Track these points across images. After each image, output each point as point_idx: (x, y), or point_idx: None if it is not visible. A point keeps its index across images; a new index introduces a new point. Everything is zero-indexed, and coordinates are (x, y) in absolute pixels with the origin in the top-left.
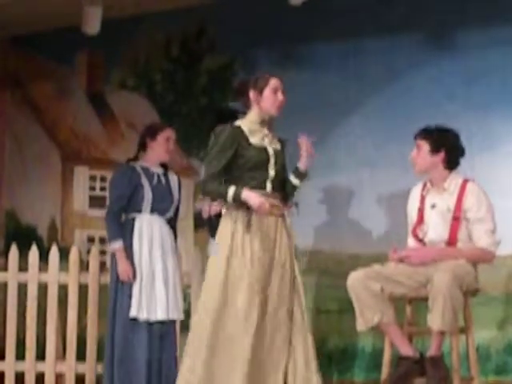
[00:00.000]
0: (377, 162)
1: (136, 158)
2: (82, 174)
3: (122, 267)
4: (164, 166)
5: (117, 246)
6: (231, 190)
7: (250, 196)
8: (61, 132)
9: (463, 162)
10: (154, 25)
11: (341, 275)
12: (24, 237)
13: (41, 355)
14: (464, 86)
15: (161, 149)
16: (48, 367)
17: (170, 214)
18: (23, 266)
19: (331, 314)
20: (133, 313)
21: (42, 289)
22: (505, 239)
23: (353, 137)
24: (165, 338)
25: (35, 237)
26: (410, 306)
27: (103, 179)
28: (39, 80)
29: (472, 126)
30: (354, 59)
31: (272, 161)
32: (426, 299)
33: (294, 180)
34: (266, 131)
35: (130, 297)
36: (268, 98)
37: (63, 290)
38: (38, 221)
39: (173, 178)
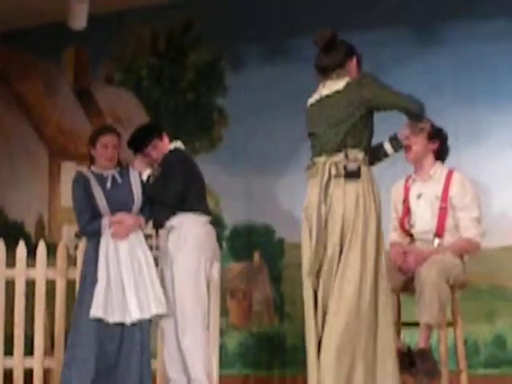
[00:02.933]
0: None
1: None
2: (69, 169)
3: (128, 220)
4: (120, 163)
5: (106, 221)
6: None
7: None
8: (48, 128)
9: (450, 154)
10: (141, 20)
11: None
12: (11, 233)
13: (29, 351)
14: (451, 79)
15: (99, 155)
16: (36, 363)
17: (135, 209)
18: (11, 262)
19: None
20: (97, 313)
21: (30, 285)
22: (491, 232)
23: None
24: (126, 340)
25: (23, 233)
26: (398, 299)
27: None
28: (26, 76)
29: (459, 120)
30: None
31: None
32: (414, 292)
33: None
34: None
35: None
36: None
37: (51, 285)
38: (25, 217)
39: (132, 174)
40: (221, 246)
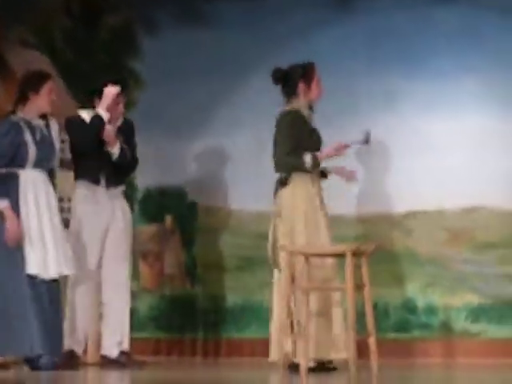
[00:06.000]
0: None
1: (15, 111)
2: None
3: (13, 227)
4: (44, 115)
5: (4, 204)
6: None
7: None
8: None
9: (367, 121)
10: None
11: (240, 233)
12: None
13: None
14: (366, 46)
15: (44, 101)
16: None
17: (53, 165)
18: None
19: (230, 272)
20: (32, 270)
21: None
22: (401, 198)
23: (254, 95)
24: (51, 295)
25: None
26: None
27: None
28: None
29: (374, 87)
30: (258, 19)
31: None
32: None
33: None
34: None
35: (19, 254)
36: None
37: None
38: None
39: (54, 127)
40: (132, 209)
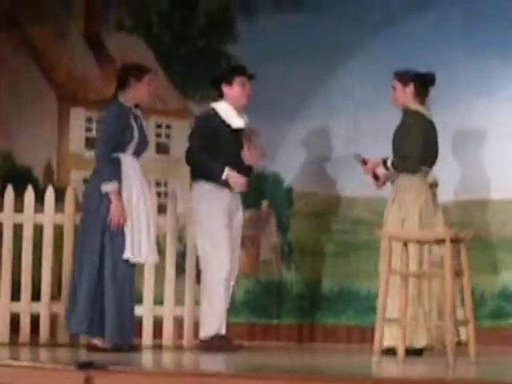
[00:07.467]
0: (374, 105)
1: (116, 97)
2: (78, 115)
3: (118, 210)
4: (136, 105)
5: (112, 187)
6: None
7: None
8: (58, 73)
9: (461, 106)
10: None
11: (336, 218)
12: (20, 178)
13: (36, 296)
14: (463, 30)
15: (145, 90)
16: (43, 308)
17: (142, 155)
18: (19, 208)
19: (325, 257)
20: (128, 254)
21: (38, 230)
22: (500, 185)
23: (350, 80)
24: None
25: (31, 178)
26: None
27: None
28: (37, 22)
29: (470, 71)
30: (353, 2)
31: None
32: None
33: None
34: None
35: (121, 237)
36: None
37: (59, 230)
38: (33, 162)
39: (142, 119)
40: None
